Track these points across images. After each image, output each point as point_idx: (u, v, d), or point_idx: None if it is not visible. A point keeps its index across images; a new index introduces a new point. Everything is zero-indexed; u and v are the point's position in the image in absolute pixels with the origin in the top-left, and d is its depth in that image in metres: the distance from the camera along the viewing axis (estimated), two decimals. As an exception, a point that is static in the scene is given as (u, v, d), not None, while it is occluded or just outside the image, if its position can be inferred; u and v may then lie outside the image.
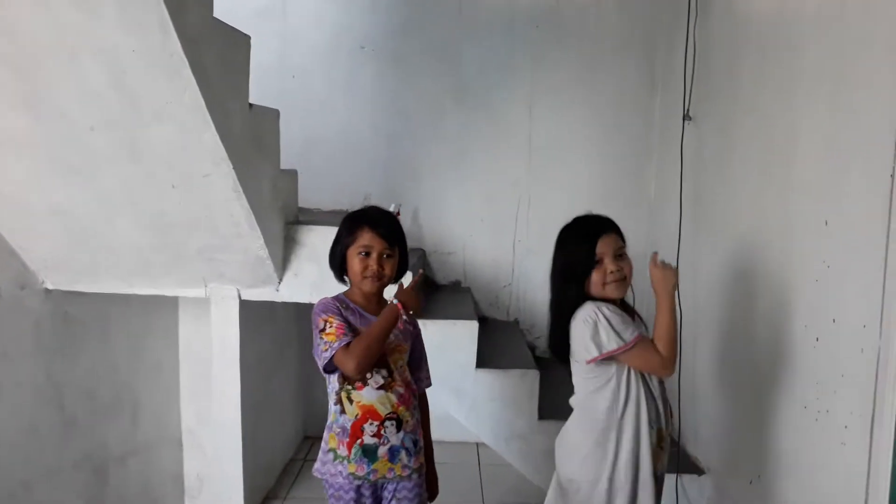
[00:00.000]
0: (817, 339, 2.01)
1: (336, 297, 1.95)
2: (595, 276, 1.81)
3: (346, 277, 1.97)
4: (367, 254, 1.87)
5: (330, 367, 1.84)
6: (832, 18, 2.00)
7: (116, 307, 2.99)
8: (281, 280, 2.76)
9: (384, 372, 1.89)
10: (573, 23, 3.73)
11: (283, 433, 3.55)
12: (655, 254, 1.91)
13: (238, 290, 2.76)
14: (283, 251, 2.72)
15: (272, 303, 2.84)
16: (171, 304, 3.34)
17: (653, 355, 1.80)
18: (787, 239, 2.20)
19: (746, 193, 2.55)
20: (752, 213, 2.49)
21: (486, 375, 2.89)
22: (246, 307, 2.82)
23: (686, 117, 3.04)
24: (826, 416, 1.96)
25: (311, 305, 2.80)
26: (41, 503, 2.62)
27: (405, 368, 1.96)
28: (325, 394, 1.99)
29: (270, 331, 3.26)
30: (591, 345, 1.77)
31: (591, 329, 1.77)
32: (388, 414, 1.88)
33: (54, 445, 2.70)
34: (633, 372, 1.83)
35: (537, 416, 2.88)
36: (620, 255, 1.82)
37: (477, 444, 3.72)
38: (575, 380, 1.90)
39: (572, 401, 1.93)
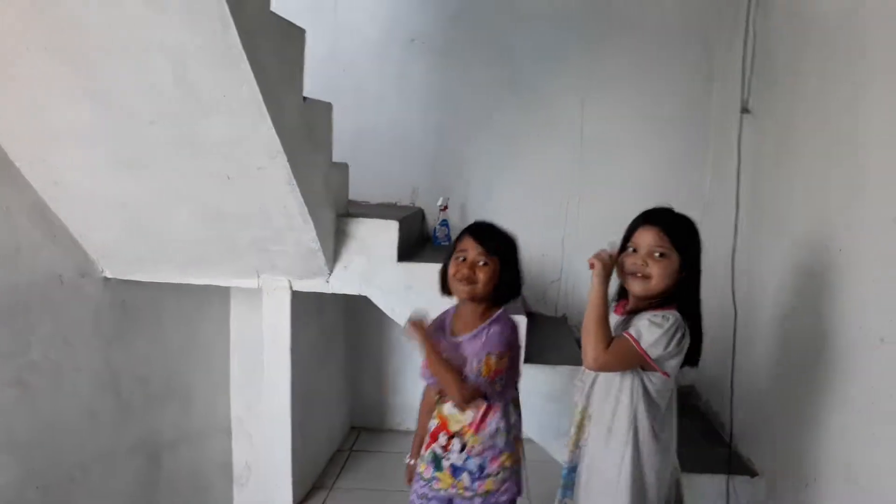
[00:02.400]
0: (882, 340, 1.94)
1: (445, 312, 2.03)
2: (625, 262, 1.77)
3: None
4: (464, 259, 1.89)
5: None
6: (904, 8, 1.92)
7: (170, 296, 3.05)
8: (331, 272, 2.78)
9: None
10: (627, 12, 3.65)
11: (331, 423, 3.59)
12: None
13: (290, 281, 2.79)
14: (334, 243, 2.74)
15: (322, 294, 2.87)
16: (223, 294, 3.40)
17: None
18: (851, 238, 2.13)
19: (808, 191, 2.47)
20: (813, 211, 2.42)
21: (534, 371, 2.87)
22: (297, 298, 2.85)
23: (744, 111, 2.96)
24: (888, 419, 1.89)
25: (360, 297, 2.85)
26: (98, 486, 2.69)
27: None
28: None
29: (320, 322, 3.29)
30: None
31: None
32: (457, 432, 1.92)
33: (110, 430, 2.77)
34: None
35: (585, 413, 2.84)
36: (658, 254, 1.72)
37: (523, 440, 3.69)
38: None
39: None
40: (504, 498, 1.95)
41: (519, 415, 2.02)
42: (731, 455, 2.83)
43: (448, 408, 1.94)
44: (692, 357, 1.80)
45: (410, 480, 2.09)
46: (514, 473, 1.98)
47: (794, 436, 2.46)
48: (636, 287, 1.76)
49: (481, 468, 1.92)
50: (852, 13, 2.21)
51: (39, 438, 2.42)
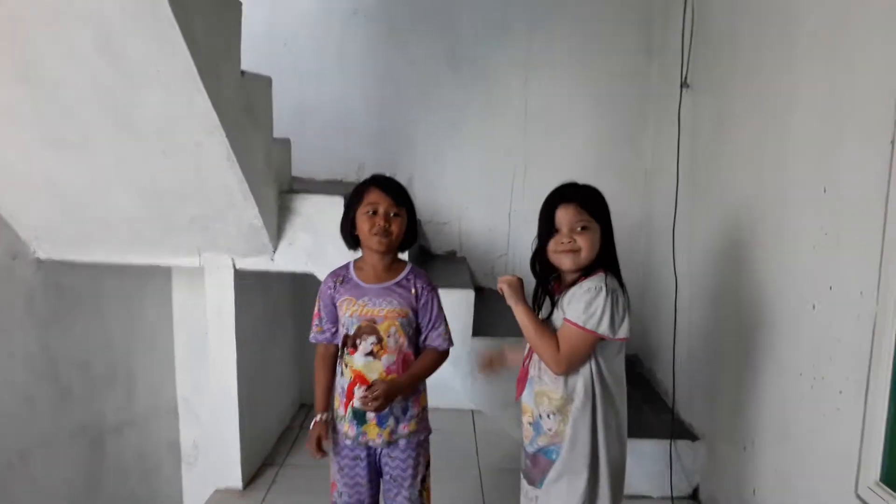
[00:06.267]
0: (813, 307, 2.01)
1: (342, 267, 2.00)
2: (551, 244, 1.81)
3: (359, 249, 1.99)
4: (375, 212, 1.89)
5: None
6: (833, -19, 1.97)
7: (110, 277, 2.98)
8: (276, 249, 2.74)
9: (373, 339, 1.91)
10: (570, -12, 3.66)
11: (280, 401, 3.56)
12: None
13: (233, 259, 2.74)
14: (278, 220, 2.70)
15: (267, 272, 2.83)
16: (165, 274, 3.33)
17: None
18: (785, 206, 2.19)
19: (744, 161, 2.53)
20: (749, 181, 2.48)
21: (483, 343, 2.90)
22: (241, 276, 2.80)
23: (684, 85, 3.01)
24: (821, 382, 1.97)
25: (306, 275, 2.82)
26: (38, 473, 2.63)
27: (401, 335, 1.93)
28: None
29: (266, 300, 3.25)
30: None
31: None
32: (376, 381, 1.90)
33: (50, 416, 2.70)
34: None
35: (533, 384, 2.89)
36: (580, 228, 1.77)
37: (472, 412, 3.74)
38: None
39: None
40: (423, 437, 2.03)
41: None
42: (673, 420, 2.92)
43: (359, 359, 1.91)
44: None
45: (319, 443, 1.96)
46: (426, 412, 2.06)
47: (732, 401, 2.54)
48: (567, 262, 1.80)
49: (405, 410, 1.97)
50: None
51: (-29, 426, 2.35)
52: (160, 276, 3.31)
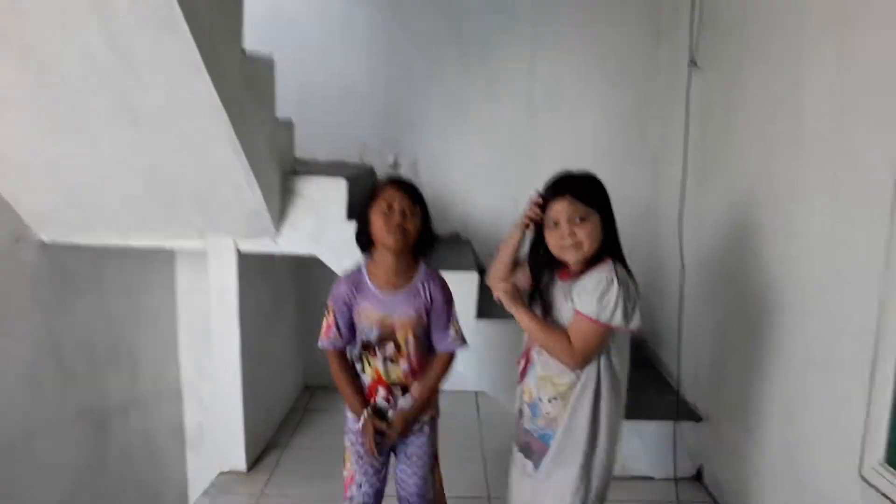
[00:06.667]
0: (821, 290, 2.00)
1: (355, 271, 1.96)
2: (549, 238, 1.78)
3: (370, 251, 1.96)
4: (390, 208, 1.86)
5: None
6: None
7: (113, 260, 2.97)
8: (279, 231, 2.73)
9: (391, 345, 1.93)
10: (576, -34, 3.61)
11: (283, 383, 3.57)
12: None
13: (235, 242, 2.73)
14: (281, 202, 2.69)
15: (271, 254, 2.82)
16: (169, 257, 3.33)
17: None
18: (795, 189, 2.17)
19: (754, 144, 2.50)
20: (759, 164, 2.46)
21: (487, 325, 2.89)
22: (244, 259, 2.79)
23: (692, 63, 2.96)
24: (827, 364, 1.96)
25: (309, 257, 2.81)
26: (43, 455, 2.64)
27: (417, 341, 1.94)
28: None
29: (269, 282, 3.24)
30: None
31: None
32: (393, 382, 1.96)
33: (54, 398, 2.71)
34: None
35: (537, 366, 2.88)
36: (578, 219, 1.73)
37: (476, 393, 3.75)
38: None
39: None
40: (436, 418, 2.10)
41: None
42: (678, 402, 2.91)
43: (380, 362, 1.94)
44: None
45: (373, 437, 1.96)
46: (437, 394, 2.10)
47: (738, 382, 2.54)
48: (571, 256, 1.76)
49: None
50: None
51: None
52: (164, 259, 3.30)
